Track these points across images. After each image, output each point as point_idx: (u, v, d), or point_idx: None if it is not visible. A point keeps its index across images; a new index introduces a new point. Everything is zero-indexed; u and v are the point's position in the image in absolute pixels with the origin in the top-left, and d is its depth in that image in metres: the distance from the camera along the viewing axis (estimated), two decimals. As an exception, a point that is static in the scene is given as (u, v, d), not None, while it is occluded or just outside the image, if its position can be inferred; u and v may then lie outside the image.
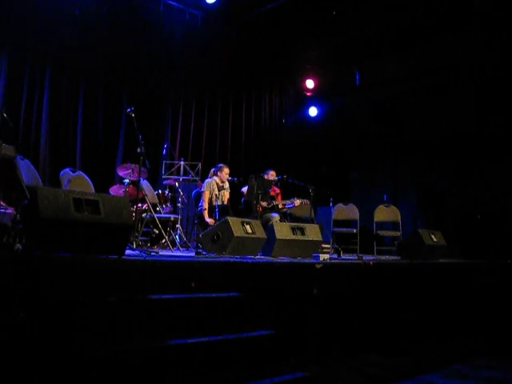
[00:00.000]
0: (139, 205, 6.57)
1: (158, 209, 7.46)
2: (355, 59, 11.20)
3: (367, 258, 7.12)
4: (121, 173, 7.21)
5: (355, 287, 5.41)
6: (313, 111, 11.95)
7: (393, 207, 9.19)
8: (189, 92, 9.96)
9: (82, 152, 8.31)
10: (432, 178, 10.06)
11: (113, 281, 3.59)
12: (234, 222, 5.61)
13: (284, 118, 11.74)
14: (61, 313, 3.12)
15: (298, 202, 7.84)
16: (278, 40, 10.66)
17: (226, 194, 7.62)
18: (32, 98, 7.89)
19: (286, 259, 5.73)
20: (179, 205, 7.69)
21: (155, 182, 8.58)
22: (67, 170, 6.54)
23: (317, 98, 11.96)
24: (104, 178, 8.11)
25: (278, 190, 8.15)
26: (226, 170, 7.59)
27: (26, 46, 7.78)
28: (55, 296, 3.19)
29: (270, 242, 5.88)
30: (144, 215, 6.99)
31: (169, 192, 7.90)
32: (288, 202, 7.94)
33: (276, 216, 7.58)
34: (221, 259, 4.99)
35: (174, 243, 7.12)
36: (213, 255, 5.46)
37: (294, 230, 6.12)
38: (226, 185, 7.64)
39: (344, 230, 9.05)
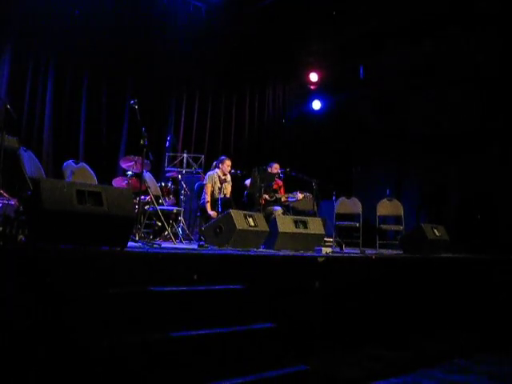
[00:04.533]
0: (142, 197, 6.57)
1: (160, 201, 7.47)
2: (359, 53, 11.13)
3: (369, 251, 7.12)
4: (124, 165, 7.21)
5: (357, 281, 5.41)
6: (316, 104, 11.91)
7: (396, 201, 9.18)
8: (192, 84, 9.94)
9: (85, 144, 8.32)
10: (435, 173, 10.03)
11: (115, 273, 3.60)
12: (236, 214, 5.62)
13: (285, 115, 11.69)
14: (63, 304, 3.13)
15: (300, 195, 7.83)
16: (281, 33, 10.60)
17: (228, 187, 7.62)
18: (35, 90, 7.90)
19: (288, 252, 5.74)
20: (182, 197, 7.69)
21: (158, 175, 8.58)
22: (70, 161, 6.55)
23: (320, 91, 11.91)
24: (107, 170, 8.10)
25: (280, 183, 8.14)
26: (228, 162, 7.58)
27: (29, 38, 7.78)
28: (57, 287, 3.20)
29: (272, 235, 5.89)
30: (147, 207, 7.00)
31: (172, 184, 7.90)
32: (291, 195, 7.94)
33: (279, 209, 7.58)
34: (223, 252, 5.00)
35: (176, 235, 7.13)
36: (215, 248, 5.47)
37: (296, 223, 6.13)
38: (228, 177, 7.64)
39: (346, 223, 9.05)
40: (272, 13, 9.90)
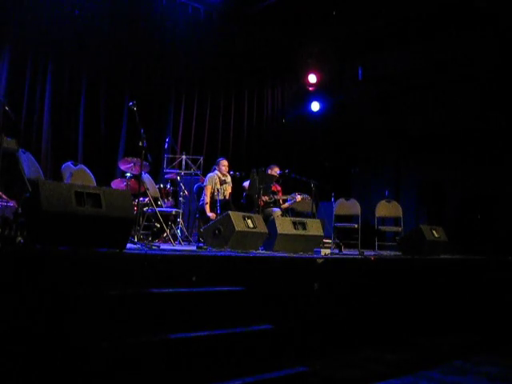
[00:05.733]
0: (141, 199, 6.57)
1: (159, 203, 7.47)
2: (358, 53, 11.16)
3: (368, 253, 7.12)
4: (122, 166, 7.21)
5: (356, 282, 5.41)
6: (315, 106, 11.90)
7: (394, 202, 9.18)
8: (191, 86, 9.94)
9: (83, 145, 8.31)
10: (434, 174, 10.04)
11: (114, 274, 3.60)
12: (235, 216, 5.62)
13: (285, 116, 11.68)
14: (62, 306, 3.13)
15: (299, 197, 7.83)
16: (280, 34, 10.62)
17: (228, 188, 7.63)
18: (34, 92, 7.89)
19: (287, 254, 5.73)
20: (181, 199, 7.68)
21: (157, 176, 8.56)
22: (69, 163, 6.55)
23: (319, 92, 11.91)
24: (106, 172, 8.10)
25: (279, 188, 8.12)
26: (223, 163, 7.60)
27: (28, 39, 7.77)
28: (56, 289, 3.20)
29: (271, 237, 5.89)
30: (145, 209, 6.99)
31: (170, 186, 7.90)
32: (289, 197, 7.93)
33: (277, 210, 7.58)
34: (222, 253, 5.00)
35: (175, 237, 7.12)
36: (214, 249, 5.46)
37: (295, 224, 6.12)
38: (228, 178, 7.65)
39: (345, 225, 9.05)
40: (270, 14, 9.91)
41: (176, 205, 7.89)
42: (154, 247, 5.01)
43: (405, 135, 10.78)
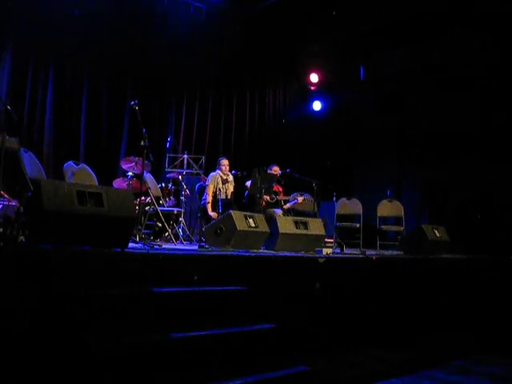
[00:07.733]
0: (142, 198, 6.57)
1: (161, 202, 7.46)
2: (360, 53, 11.15)
3: (370, 252, 7.11)
4: (124, 166, 7.21)
5: (358, 282, 5.41)
6: (317, 105, 11.91)
7: (396, 202, 9.18)
8: (193, 85, 9.93)
9: (85, 145, 8.31)
10: (436, 173, 10.02)
11: (116, 274, 3.60)
12: (237, 215, 5.62)
13: (285, 116, 11.68)
14: (63, 306, 3.13)
15: (300, 198, 7.83)
16: (282, 34, 10.61)
17: (231, 188, 7.62)
18: (36, 91, 7.89)
19: (288, 253, 5.73)
20: (182, 198, 7.68)
21: (158, 176, 8.57)
22: (71, 162, 6.55)
23: (321, 92, 11.92)
24: (107, 171, 8.08)
25: (280, 189, 8.11)
26: (223, 162, 7.60)
27: (30, 38, 7.77)
28: (58, 289, 3.20)
29: (273, 236, 5.89)
30: (147, 208, 6.99)
31: (172, 185, 7.89)
32: (291, 198, 7.93)
33: (279, 211, 7.57)
34: (223, 253, 5.00)
35: (177, 236, 7.12)
36: (215, 249, 5.46)
37: (297, 224, 6.12)
38: (230, 178, 7.64)
39: (347, 224, 9.05)
40: (272, 14, 9.90)
41: (178, 204, 7.89)
42: (155, 246, 5.01)
43: (406, 135, 10.77)
